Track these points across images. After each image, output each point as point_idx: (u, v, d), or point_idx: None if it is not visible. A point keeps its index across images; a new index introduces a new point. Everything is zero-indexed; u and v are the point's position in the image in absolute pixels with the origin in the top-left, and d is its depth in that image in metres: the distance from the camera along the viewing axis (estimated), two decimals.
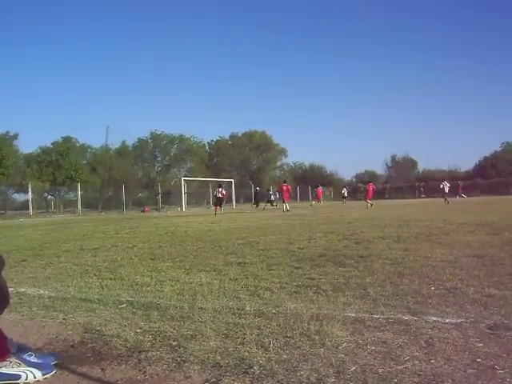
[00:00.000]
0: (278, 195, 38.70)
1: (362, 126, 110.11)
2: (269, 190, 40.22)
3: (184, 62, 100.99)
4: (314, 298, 3.85)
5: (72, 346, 2.93)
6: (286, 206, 24.40)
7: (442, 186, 30.84)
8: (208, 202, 45.03)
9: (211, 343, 2.81)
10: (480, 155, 73.16)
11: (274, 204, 35.10)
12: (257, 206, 34.78)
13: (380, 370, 2.34)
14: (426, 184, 57.92)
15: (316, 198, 39.64)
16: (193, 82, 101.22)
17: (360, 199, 50.08)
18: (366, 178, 72.59)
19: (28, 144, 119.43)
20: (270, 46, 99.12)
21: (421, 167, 76.84)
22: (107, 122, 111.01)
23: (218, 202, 26.14)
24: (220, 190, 26.39)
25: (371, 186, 28.43)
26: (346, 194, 44.27)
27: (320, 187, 40.53)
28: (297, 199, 52.42)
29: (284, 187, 26.01)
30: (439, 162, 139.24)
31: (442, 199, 29.92)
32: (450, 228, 9.29)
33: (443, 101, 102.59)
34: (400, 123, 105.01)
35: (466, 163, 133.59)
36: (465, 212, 16.04)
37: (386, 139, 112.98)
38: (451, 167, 72.62)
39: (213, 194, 29.47)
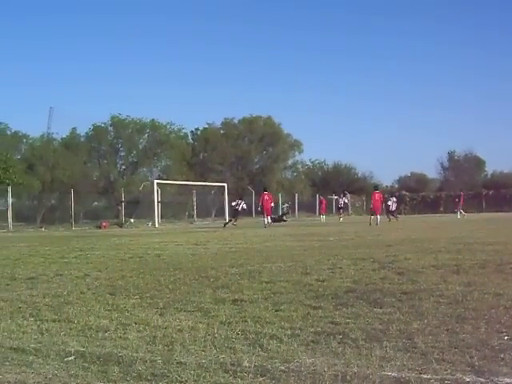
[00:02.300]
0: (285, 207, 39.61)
1: (408, 111, 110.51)
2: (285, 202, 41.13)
3: (158, 17, 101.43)
4: (340, 350, 3.85)
5: None
6: (268, 220, 27.45)
7: (389, 203, 32.41)
8: (191, 215, 45.05)
9: None
10: None
11: (285, 218, 36.12)
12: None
13: None
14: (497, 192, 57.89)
15: (321, 210, 40.60)
16: (170, 46, 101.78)
17: (406, 213, 50.11)
18: (413, 183, 72.81)
19: None
20: None
21: (489, 169, 77.04)
22: (50, 103, 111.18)
23: (234, 214, 30.23)
24: (240, 201, 30.40)
25: (378, 195, 28.42)
26: (342, 204, 41.58)
27: (324, 198, 41.40)
28: (315, 212, 52.51)
29: (265, 196, 28.18)
30: None
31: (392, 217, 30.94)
32: None
33: None
34: (461, 108, 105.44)
35: None
36: None
37: (442, 130, 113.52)
38: None
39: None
